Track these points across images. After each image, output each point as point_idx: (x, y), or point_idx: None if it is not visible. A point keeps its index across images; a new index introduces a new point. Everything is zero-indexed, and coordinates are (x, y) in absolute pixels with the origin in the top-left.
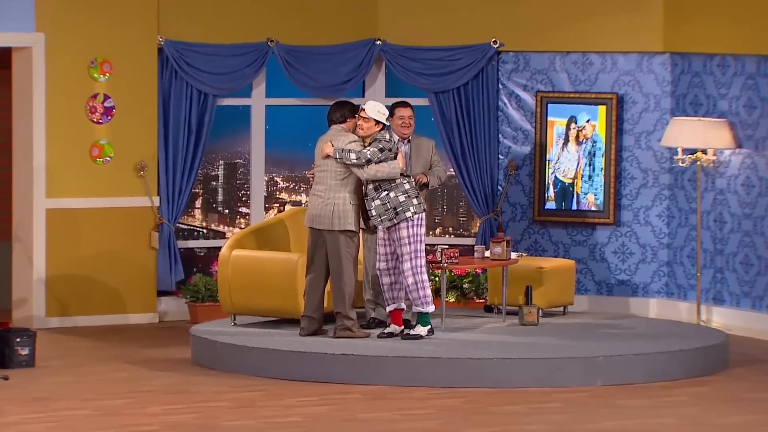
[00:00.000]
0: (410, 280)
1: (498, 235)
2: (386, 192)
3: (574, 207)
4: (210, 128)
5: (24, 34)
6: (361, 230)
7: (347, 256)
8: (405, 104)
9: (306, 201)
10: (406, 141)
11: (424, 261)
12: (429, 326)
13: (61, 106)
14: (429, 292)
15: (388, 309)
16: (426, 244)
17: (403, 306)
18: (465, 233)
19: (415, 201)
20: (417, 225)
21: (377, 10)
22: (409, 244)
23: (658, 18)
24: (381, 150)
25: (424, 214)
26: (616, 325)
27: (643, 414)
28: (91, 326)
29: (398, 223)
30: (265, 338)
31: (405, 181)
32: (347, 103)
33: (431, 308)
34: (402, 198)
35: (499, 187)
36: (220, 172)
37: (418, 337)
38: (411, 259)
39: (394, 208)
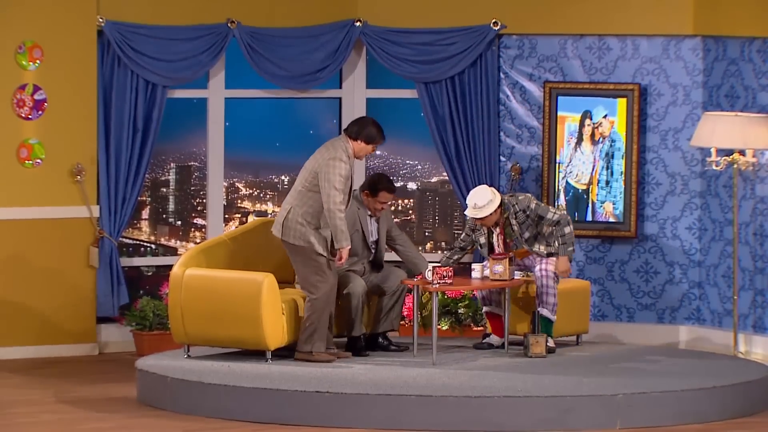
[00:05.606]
0: None
1: (499, 252)
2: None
3: (589, 218)
4: (159, 125)
5: None
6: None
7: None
8: (392, 189)
9: (273, 212)
10: (372, 218)
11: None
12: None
13: None
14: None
15: None
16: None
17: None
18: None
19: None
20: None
21: None
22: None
23: None
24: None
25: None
26: (639, 357)
27: None
28: (17, 359)
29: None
30: (225, 373)
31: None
32: (375, 126)
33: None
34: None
35: None
36: (172, 177)
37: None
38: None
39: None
